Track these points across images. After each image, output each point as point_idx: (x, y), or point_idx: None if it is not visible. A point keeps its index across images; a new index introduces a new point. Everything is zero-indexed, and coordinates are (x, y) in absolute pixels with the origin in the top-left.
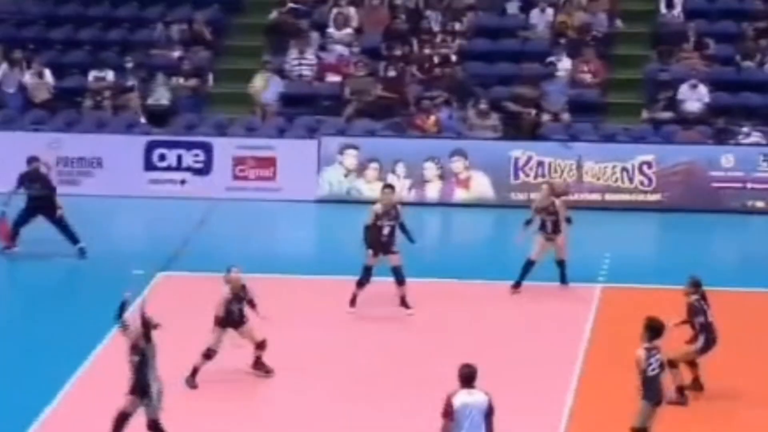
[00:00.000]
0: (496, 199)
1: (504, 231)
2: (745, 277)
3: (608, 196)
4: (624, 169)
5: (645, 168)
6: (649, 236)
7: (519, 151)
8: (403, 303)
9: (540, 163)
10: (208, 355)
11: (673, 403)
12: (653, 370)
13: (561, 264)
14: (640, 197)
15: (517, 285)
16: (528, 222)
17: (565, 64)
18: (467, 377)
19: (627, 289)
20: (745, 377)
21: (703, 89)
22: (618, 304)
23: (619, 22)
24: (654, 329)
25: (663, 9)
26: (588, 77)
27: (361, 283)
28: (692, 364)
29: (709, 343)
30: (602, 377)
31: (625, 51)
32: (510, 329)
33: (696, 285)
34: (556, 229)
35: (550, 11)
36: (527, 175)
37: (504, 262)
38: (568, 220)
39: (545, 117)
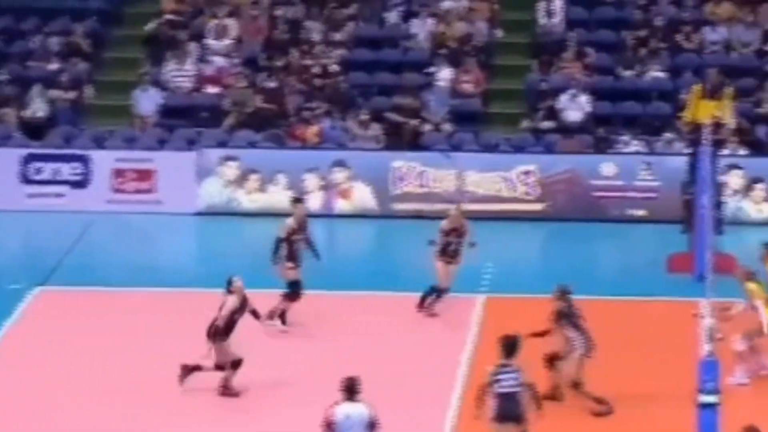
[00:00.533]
0: (378, 210)
1: (386, 241)
2: (625, 286)
3: (490, 206)
4: (505, 178)
5: (526, 177)
6: (531, 245)
7: (400, 161)
8: (282, 317)
9: (421, 174)
10: (236, 364)
11: (601, 414)
12: (501, 387)
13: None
14: (522, 206)
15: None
16: (431, 242)
17: (445, 74)
18: (349, 389)
19: (510, 299)
20: (625, 382)
21: (583, 99)
22: (501, 313)
23: (499, 32)
24: (507, 347)
25: (543, 19)
26: (469, 87)
27: (293, 298)
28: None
29: (588, 349)
30: None
31: (505, 61)
32: (392, 340)
33: (564, 292)
34: (457, 253)
35: (430, 21)
36: (409, 186)
37: (387, 273)
38: (472, 244)
39: (426, 127)
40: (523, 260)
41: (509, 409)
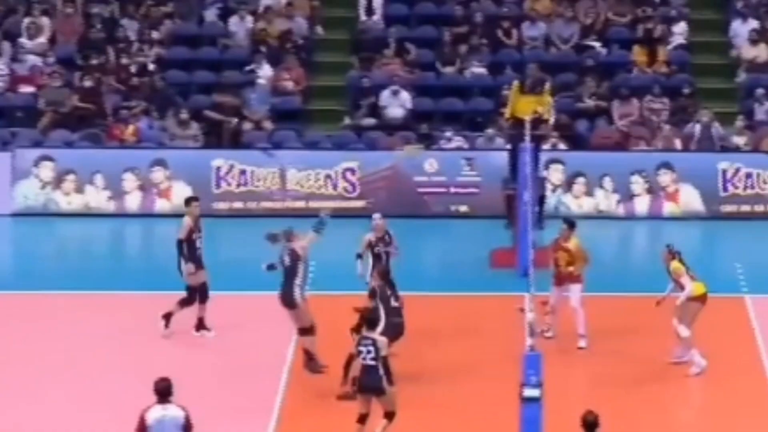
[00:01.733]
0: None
1: (206, 241)
2: (449, 281)
3: (312, 203)
4: (328, 176)
5: (349, 175)
6: (354, 242)
7: (221, 160)
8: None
9: (243, 172)
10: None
11: (345, 397)
12: (363, 359)
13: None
14: (345, 204)
15: None
16: (359, 256)
17: (266, 71)
18: (162, 391)
19: (331, 296)
20: (450, 377)
21: (405, 95)
22: (323, 311)
23: (319, 29)
24: (367, 320)
25: (363, 15)
26: (289, 85)
27: (188, 303)
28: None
29: (397, 330)
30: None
31: (326, 58)
32: (219, 340)
33: (381, 274)
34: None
35: (249, 19)
36: (230, 185)
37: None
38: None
39: (247, 125)
40: (345, 257)
41: (368, 381)
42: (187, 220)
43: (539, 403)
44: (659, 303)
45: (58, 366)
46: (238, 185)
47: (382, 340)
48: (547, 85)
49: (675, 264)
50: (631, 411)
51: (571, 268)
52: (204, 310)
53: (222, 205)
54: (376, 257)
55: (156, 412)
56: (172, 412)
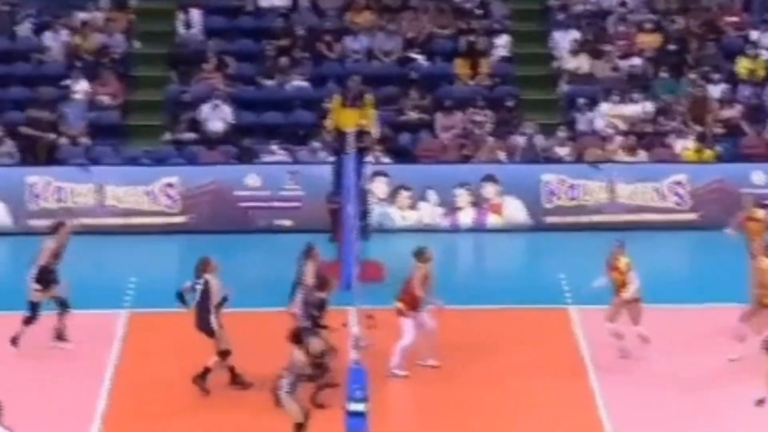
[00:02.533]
0: (13, 227)
1: (20, 259)
2: (271, 296)
3: (131, 220)
4: (147, 192)
5: (169, 190)
6: (173, 258)
7: (35, 176)
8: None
9: (59, 189)
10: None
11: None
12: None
13: None
14: (165, 219)
15: None
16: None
17: (82, 86)
18: None
19: (154, 313)
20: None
21: (226, 109)
22: (145, 329)
23: (137, 43)
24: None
25: (181, 29)
26: (107, 99)
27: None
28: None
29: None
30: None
31: (144, 72)
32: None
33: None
34: None
35: (65, 32)
36: (47, 201)
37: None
38: None
39: (63, 140)
40: (166, 274)
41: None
42: (50, 243)
43: (365, 418)
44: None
45: None
46: (55, 202)
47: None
48: (369, 97)
49: (625, 259)
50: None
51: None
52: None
53: (38, 222)
54: None
55: None
56: None
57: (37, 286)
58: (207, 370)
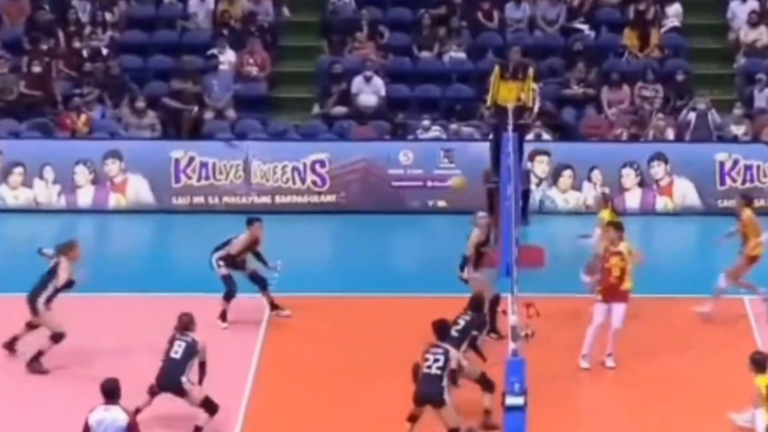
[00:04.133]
0: (156, 205)
1: (165, 238)
2: (427, 281)
3: (279, 199)
4: (295, 168)
5: (318, 167)
6: (325, 240)
7: (180, 151)
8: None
9: (204, 164)
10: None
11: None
12: (428, 367)
13: None
14: (314, 199)
15: None
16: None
17: (228, 56)
18: (107, 392)
19: (304, 298)
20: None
21: (378, 81)
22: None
23: (286, 11)
24: (438, 330)
25: None
26: (254, 70)
27: None
28: None
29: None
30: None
31: (293, 42)
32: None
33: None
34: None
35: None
36: (190, 178)
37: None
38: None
39: (208, 114)
40: (317, 255)
41: (425, 391)
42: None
43: (523, 411)
44: None
45: None
46: (200, 179)
47: (454, 353)
48: (531, 71)
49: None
50: None
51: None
52: None
53: (182, 201)
54: (479, 256)
55: (98, 414)
56: (113, 414)
57: (222, 263)
58: (40, 353)
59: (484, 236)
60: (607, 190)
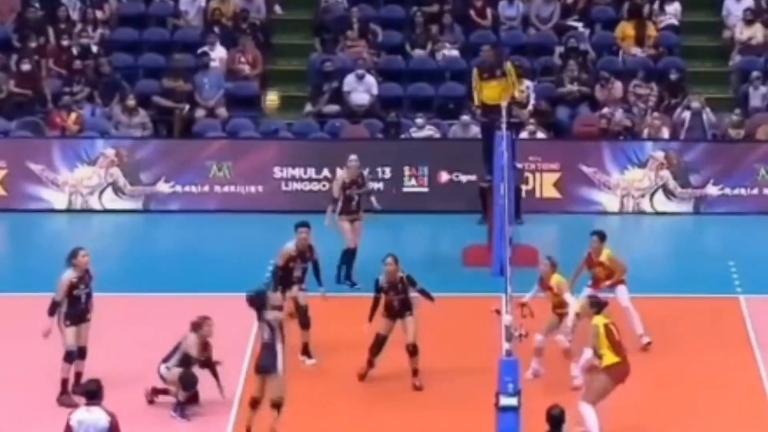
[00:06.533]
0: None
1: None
2: (421, 280)
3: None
4: None
5: None
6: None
7: None
8: None
9: None
10: None
11: None
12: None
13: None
14: None
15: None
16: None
17: (219, 54)
18: (89, 393)
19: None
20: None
21: (370, 80)
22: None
23: (278, 9)
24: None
25: None
26: (245, 68)
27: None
28: None
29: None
30: None
31: (285, 40)
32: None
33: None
34: (360, 208)
35: None
36: None
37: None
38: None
39: (199, 112)
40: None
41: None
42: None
43: (517, 412)
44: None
45: None
46: None
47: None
48: (508, 65)
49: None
50: None
51: (608, 282)
52: None
53: None
54: (347, 200)
55: (79, 414)
56: (95, 414)
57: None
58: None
59: (349, 179)
60: (551, 256)
